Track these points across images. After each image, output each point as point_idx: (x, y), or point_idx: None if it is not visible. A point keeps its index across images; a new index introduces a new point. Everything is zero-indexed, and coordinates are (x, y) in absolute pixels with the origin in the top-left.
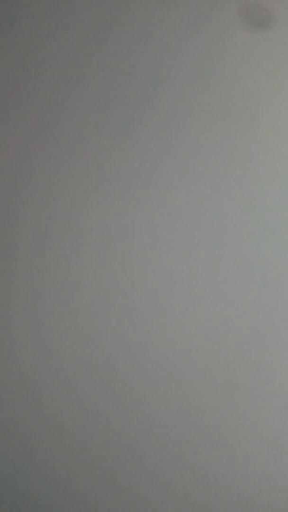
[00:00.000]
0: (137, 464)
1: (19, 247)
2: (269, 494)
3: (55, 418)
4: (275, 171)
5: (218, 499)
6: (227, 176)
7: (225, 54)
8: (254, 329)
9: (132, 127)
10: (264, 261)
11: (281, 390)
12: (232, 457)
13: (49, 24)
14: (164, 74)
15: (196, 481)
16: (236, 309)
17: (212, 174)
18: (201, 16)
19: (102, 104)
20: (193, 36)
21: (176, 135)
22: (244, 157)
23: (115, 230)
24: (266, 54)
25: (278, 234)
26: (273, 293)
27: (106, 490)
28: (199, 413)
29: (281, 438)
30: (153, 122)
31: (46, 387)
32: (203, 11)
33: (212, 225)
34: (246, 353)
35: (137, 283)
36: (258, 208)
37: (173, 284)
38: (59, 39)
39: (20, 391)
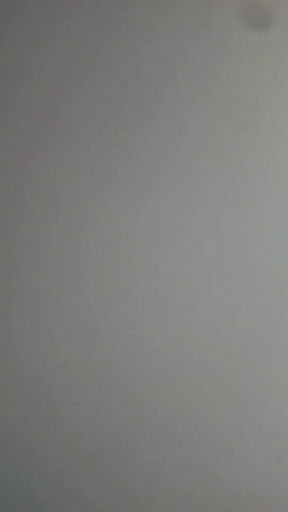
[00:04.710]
0: (136, 461)
1: (20, 245)
2: (269, 493)
3: (55, 414)
4: (276, 170)
5: (218, 497)
6: (227, 176)
7: (225, 54)
8: (255, 328)
9: (132, 127)
10: (265, 260)
11: (282, 388)
12: (232, 455)
13: (49, 25)
14: (163, 74)
15: (195, 479)
16: (237, 307)
17: (213, 173)
18: (201, 16)
19: (102, 104)
20: (193, 36)
21: (176, 135)
22: (245, 157)
23: (116, 230)
24: (266, 54)
25: (278, 234)
26: (274, 291)
27: (105, 486)
28: (200, 411)
29: (282, 436)
30: (153, 122)
31: (46, 384)
32: (203, 11)
33: (213, 224)
34: (246, 351)
35: (137, 281)
36: (259, 206)
37: (173, 283)
38: (59, 40)
39: (20, 387)
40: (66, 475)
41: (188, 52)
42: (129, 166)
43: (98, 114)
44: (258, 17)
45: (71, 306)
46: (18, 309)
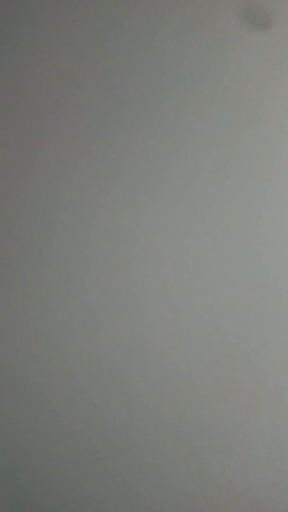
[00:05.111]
0: (136, 459)
1: (21, 245)
2: (270, 492)
3: (55, 412)
4: (277, 170)
5: (218, 497)
6: (229, 176)
7: (225, 54)
8: (255, 324)
9: (132, 127)
10: (265, 257)
11: (282, 385)
12: (232, 454)
13: (49, 25)
14: (163, 74)
15: (194, 477)
16: (237, 305)
17: (214, 174)
18: (201, 16)
19: (102, 105)
20: (193, 36)
21: (177, 136)
22: (246, 158)
23: (116, 229)
24: (267, 54)
25: (278, 231)
26: (273, 287)
27: (105, 485)
28: (199, 408)
29: (282, 434)
30: (153, 122)
31: (46, 382)
32: (203, 11)
33: (214, 224)
34: (246, 348)
35: (139, 276)
36: (261, 207)
37: (173, 280)
38: (58, 40)
39: (21, 385)
40: (65, 474)
41: (188, 52)
42: (129, 166)
43: (98, 114)
44: (258, 17)
45: (71, 306)
46: (19, 309)
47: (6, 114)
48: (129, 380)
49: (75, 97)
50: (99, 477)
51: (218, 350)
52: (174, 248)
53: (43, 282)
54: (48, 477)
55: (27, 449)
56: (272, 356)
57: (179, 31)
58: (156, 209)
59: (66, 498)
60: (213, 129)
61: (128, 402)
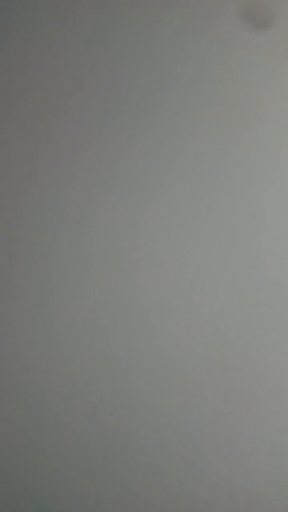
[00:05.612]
0: (136, 458)
1: (22, 245)
2: (270, 492)
3: (55, 413)
4: (278, 170)
5: (218, 497)
6: (229, 176)
7: (226, 55)
8: (255, 324)
9: (133, 127)
10: (265, 257)
11: (282, 384)
12: (232, 453)
13: (49, 26)
14: (164, 75)
15: (194, 477)
16: (237, 305)
17: (214, 173)
18: (201, 17)
19: (103, 105)
20: (194, 36)
21: (177, 136)
22: (246, 158)
23: (117, 228)
24: (267, 54)
25: (279, 231)
26: (274, 287)
27: (105, 485)
28: (199, 408)
29: (282, 434)
30: (154, 123)
31: (47, 382)
32: (203, 12)
33: (213, 223)
34: (247, 348)
35: (139, 276)
36: (261, 206)
37: (173, 281)
38: (59, 40)
39: (21, 386)
40: (65, 473)
41: (189, 52)
42: (130, 167)
43: (98, 114)
44: (258, 17)
45: (72, 306)
46: (20, 309)
47: (6, 114)
48: (130, 380)
49: (75, 97)
50: (99, 477)
51: (219, 350)
52: (175, 249)
53: (43, 283)
54: (48, 477)
55: (27, 449)
56: (272, 356)
57: (179, 31)
58: (157, 209)
59: (66, 498)
60: (213, 129)
61: (128, 402)
